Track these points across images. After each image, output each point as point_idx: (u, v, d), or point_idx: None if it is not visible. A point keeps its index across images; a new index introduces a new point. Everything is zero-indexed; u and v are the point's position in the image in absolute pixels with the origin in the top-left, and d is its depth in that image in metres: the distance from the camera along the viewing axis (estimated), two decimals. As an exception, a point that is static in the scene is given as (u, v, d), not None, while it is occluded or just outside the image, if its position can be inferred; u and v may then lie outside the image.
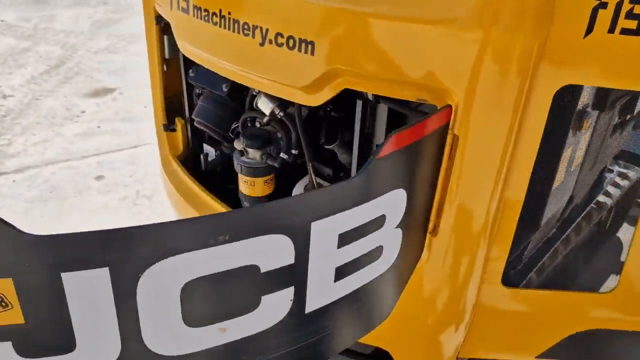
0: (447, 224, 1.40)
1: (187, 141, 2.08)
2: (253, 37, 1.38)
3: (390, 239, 1.23)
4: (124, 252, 0.87)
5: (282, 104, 1.58)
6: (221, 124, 1.78)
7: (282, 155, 1.61)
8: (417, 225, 1.35)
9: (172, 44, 2.02)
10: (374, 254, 1.21)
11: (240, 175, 1.71)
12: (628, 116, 2.40)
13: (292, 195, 1.65)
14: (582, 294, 1.67)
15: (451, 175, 1.32)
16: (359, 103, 1.42)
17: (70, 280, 0.85)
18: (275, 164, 1.62)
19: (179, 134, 2.10)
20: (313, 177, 1.58)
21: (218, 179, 2.08)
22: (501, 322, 1.70)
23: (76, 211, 3.57)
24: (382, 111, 1.42)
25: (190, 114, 2.03)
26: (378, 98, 1.38)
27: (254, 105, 1.62)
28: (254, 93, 1.65)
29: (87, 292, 0.87)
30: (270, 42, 1.35)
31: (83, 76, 5.68)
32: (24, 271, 0.83)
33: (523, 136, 1.32)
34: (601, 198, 2.65)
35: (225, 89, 1.73)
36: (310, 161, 1.57)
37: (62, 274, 0.84)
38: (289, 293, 1.07)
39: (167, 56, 2.01)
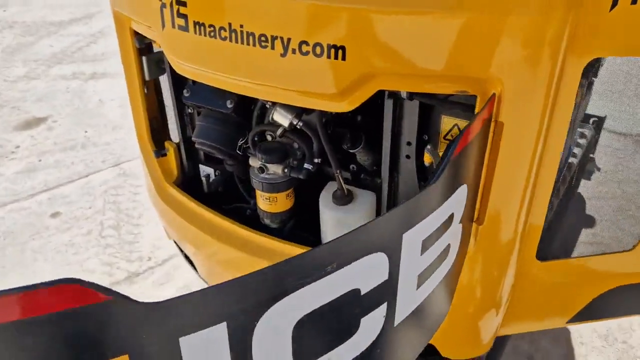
0: (491, 210, 1.41)
1: (182, 164, 1.96)
2: (272, 48, 1.31)
3: (455, 235, 1.22)
4: (241, 302, 0.80)
5: (299, 113, 1.51)
6: (227, 142, 1.68)
7: (306, 165, 1.54)
8: (469, 217, 1.34)
9: (151, 65, 1.90)
10: (444, 254, 1.19)
11: (260, 193, 1.62)
12: (593, 79, 2.52)
13: (320, 204, 1.60)
14: (607, 256, 1.73)
15: (496, 162, 1.32)
16: (389, 102, 1.39)
17: (188, 344, 0.77)
18: (301, 176, 1.55)
19: (171, 158, 1.97)
20: (342, 184, 1.53)
21: (217, 199, 1.98)
22: (535, 296, 1.74)
23: (39, 255, 3.31)
24: (414, 107, 1.40)
25: (183, 135, 1.91)
26: (412, 95, 1.35)
27: (270, 118, 1.54)
28: (267, 106, 1.57)
29: (204, 352, 0.80)
30: (294, 51, 1.28)
31: (8, 108, 5.24)
32: (141, 344, 0.74)
33: (556, 113, 1.34)
34: (570, 159, 2.79)
35: (230, 105, 1.63)
36: (337, 168, 1.52)
37: (180, 339, 0.76)
38: (382, 310, 1.03)
39: (147, 78, 1.88)
